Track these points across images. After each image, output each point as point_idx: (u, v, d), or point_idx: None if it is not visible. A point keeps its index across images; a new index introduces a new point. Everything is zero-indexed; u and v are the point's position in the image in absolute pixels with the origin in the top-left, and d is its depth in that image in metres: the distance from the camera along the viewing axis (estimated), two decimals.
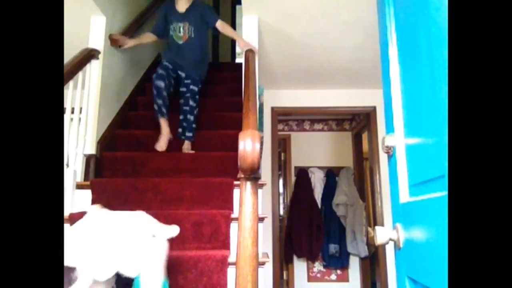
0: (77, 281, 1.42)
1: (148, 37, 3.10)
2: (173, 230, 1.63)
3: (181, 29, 2.86)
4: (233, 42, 5.55)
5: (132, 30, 3.24)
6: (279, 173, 4.79)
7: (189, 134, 2.81)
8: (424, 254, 0.77)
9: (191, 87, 2.83)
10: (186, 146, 2.79)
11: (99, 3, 2.72)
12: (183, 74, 2.91)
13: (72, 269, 1.48)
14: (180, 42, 2.87)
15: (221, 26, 2.89)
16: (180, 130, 2.84)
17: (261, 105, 3.33)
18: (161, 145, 2.73)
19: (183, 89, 2.88)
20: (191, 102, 2.80)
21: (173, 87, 2.93)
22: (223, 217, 2.05)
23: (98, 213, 1.62)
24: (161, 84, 2.74)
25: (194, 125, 2.81)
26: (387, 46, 1.04)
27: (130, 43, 2.98)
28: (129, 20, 3.27)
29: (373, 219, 4.25)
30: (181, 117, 2.85)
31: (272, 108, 4.17)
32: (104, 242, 1.46)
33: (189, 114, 2.79)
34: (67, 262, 1.46)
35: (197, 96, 2.84)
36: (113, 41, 2.87)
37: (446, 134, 0.62)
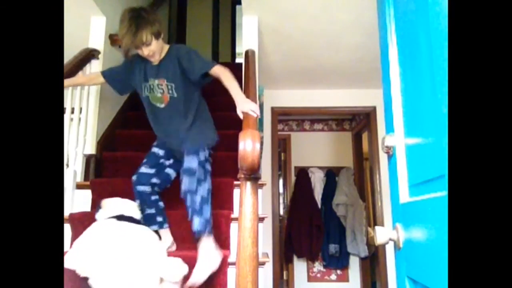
0: None
1: (91, 79, 2.26)
2: (181, 270, 1.60)
3: (158, 87, 1.91)
4: (233, 42, 5.54)
5: None
6: (279, 173, 4.79)
7: (197, 225, 1.75)
8: (424, 254, 0.77)
9: (187, 164, 1.81)
10: (203, 247, 1.75)
11: (99, 3, 2.72)
12: (177, 153, 1.97)
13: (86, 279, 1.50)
14: (161, 105, 1.93)
15: (218, 73, 1.86)
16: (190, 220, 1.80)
17: (261, 105, 3.32)
18: None
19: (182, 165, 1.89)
20: (189, 181, 1.76)
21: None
22: (223, 217, 2.05)
23: (115, 224, 1.62)
24: (145, 189, 1.89)
25: (206, 208, 1.78)
26: (387, 46, 1.04)
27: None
28: None
29: (373, 219, 4.25)
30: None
31: (272, 108, 4.17)
32: (124, 263, 1.47)
33: (192, 194, 1.76)
34: (82, 271, 1.48)
35: (197, 174, 1.80)
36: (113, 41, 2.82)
37: (446, 134, 0.62)
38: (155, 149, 2.01)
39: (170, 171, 2.02)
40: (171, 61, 1.92)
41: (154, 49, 1.85)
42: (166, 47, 1.97)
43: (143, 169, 1.93)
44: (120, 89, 2.14)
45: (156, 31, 1.81)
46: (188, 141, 1.90)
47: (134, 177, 1.92)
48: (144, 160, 1.97)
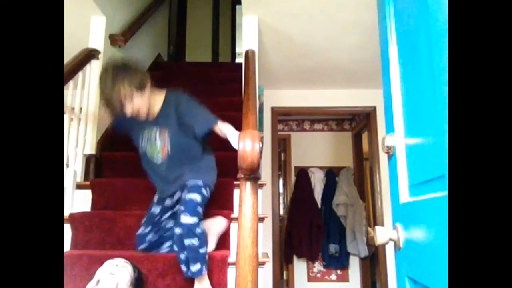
0: None
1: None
2: None
3: (158, 138, 1.77)
4: (233, 42, 5.54)
5: (132, 30, 3.24)
6: (279, 173, 4.79)
7: (196, 267, 1.67)
8: (424, 254, 0.77)
9: (189, 195, 1.72)
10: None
11: (99, 3, 2.72)
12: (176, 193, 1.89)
13: None
14: (158, 161, 1.79)
15: (220, 128, 1.75)
16: (182, 267, 1.72)
17: (261, 105, 3.32)
18: None
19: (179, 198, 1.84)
20: (185, 219, 1.66)
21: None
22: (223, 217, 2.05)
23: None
24: (143, 246, 1.88)
25: (202, 250, 1.69)
26: (387, 46, 1.03)
27: None
28: (129, 20, 3.27)
29: (373, 219, 4.25)
30: (175, 248, 1.75)
31: (272, 108, 4.17)
32: None
33: (188, 238, 1.65)
34: None
35: (199, 208, 1.73)
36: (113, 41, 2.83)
37: (446, 134, 0.62)
38: (152, 209, 1.91)
39: (170, 223, 1.92)
40: (170, 109, 1.76)
41: (138, 105, 1.66)
42: (162, 94, 1.80)
43: (140, 230, 1.88)
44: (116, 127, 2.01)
45: (136, 85, 1.63)
46: (191, 177, 1.78)
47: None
48: (143, 220, 1.91)
